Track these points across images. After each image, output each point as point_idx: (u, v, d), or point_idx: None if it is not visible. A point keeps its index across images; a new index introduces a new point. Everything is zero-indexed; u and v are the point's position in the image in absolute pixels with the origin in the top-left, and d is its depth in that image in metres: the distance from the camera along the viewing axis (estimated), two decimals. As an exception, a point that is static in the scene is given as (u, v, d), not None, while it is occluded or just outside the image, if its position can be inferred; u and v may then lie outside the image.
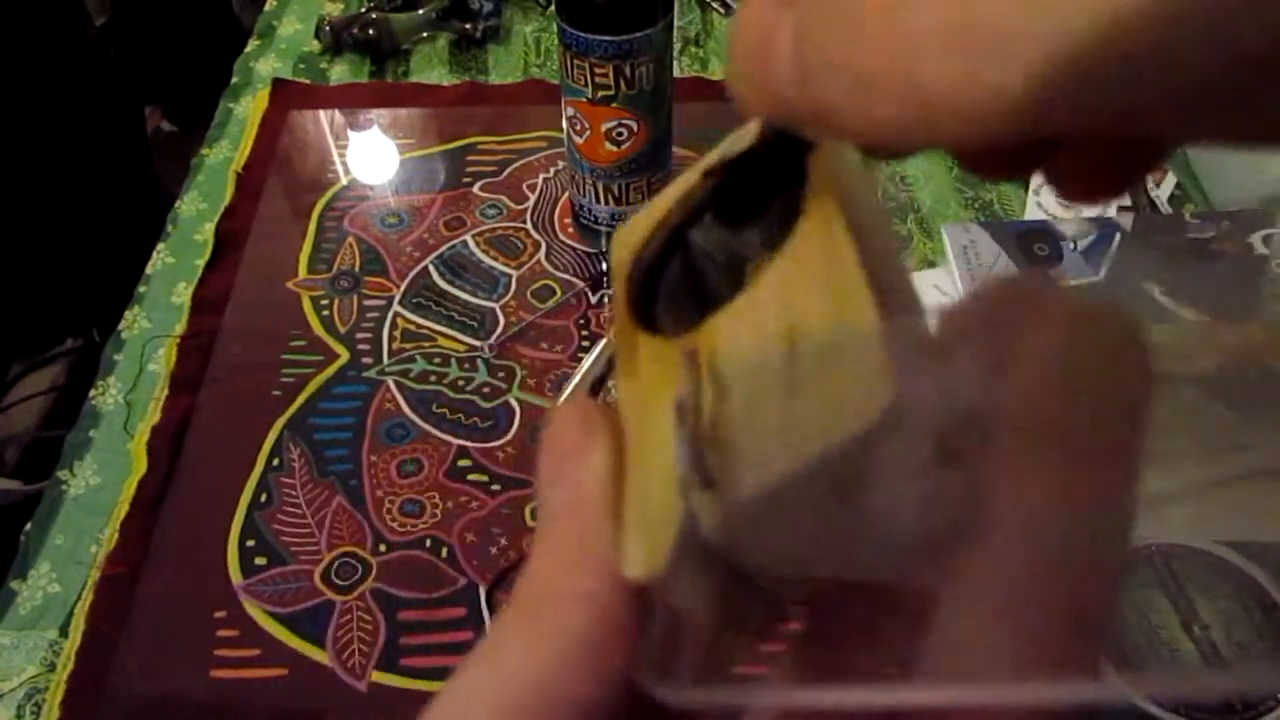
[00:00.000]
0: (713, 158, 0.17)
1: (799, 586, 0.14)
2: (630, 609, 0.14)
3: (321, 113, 0.84)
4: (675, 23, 0.63)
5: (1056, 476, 0.13)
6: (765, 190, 0.16)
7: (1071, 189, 0.15)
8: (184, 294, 0.70)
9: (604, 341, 0.62)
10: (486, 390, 0.63)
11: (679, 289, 0.17)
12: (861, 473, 0.13)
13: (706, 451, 0.13)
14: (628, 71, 0.60)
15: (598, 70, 0.60)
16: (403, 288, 0.70)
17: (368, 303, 0.69)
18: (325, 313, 0.68)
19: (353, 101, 0.85)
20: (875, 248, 0.14)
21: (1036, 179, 0.76)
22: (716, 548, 0.13)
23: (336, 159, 0.80)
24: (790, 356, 0.13)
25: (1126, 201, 0.74)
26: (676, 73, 0.78)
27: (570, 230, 0.73)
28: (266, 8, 0.98)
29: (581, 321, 0.67)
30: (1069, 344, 0.13)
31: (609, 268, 0.17)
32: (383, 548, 0.56)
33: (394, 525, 0.57)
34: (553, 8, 0.85)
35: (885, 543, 0.13)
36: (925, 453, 0.13)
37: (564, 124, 0.66)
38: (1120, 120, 0.11)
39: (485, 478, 0.59)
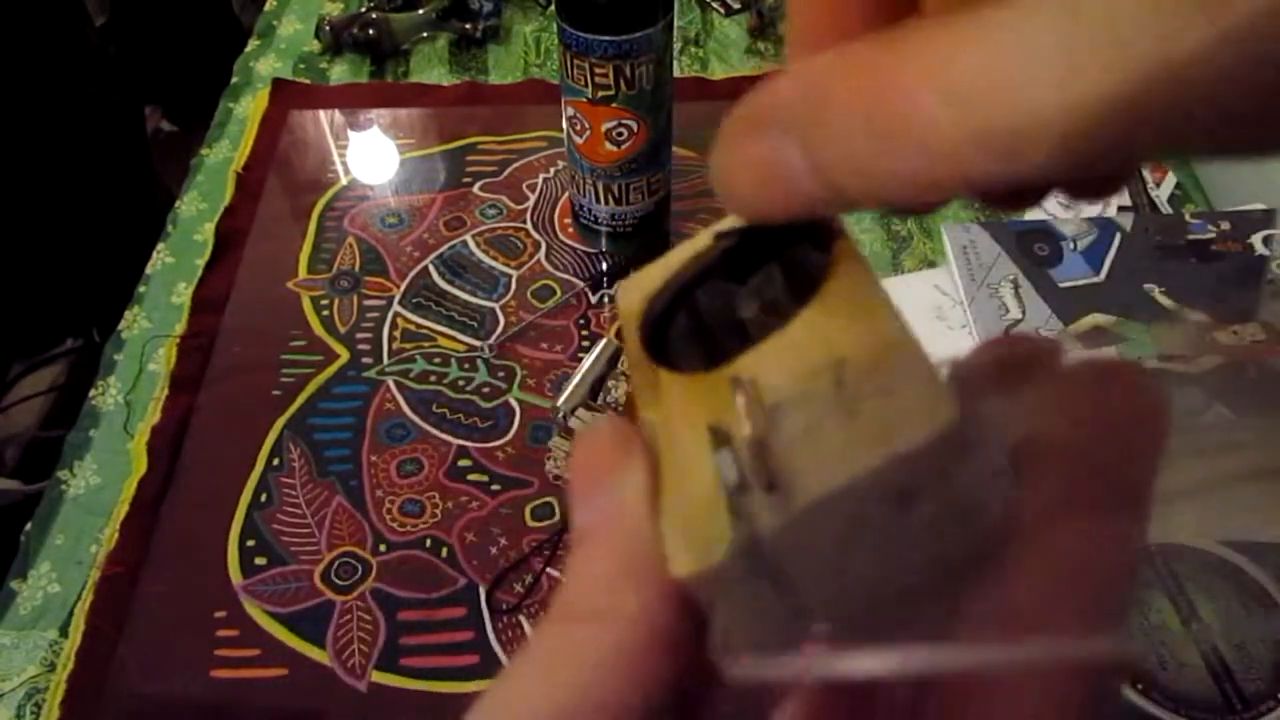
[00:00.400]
0: (727, 222, 0.18)
1: (838, 602, 0.15)
2: (676, 621, 0.14)
3: (321, 113, 0.84)
4: (675, 23, 0.63)
5: (1086, 523, 0.14)
6: (772, 254, 0.18)
7: (1079, 193, 0.16)
8: (184, 294, 0.70)
9: (604, 341, 0.62)
10: (486, 390, 0.63)
11: (684, 339, 0.18)
12: (919, 486, 0.13)
13: (765, 462, 0.14)
14: (628, 71, 0.60)
15: (598, 70, 0.60)
16: (403, 288, 0.70)
17: (368, 303, 0.69)
18: (325, 313, 0.68)
19: (353, 101, 0.85)
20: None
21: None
22: (770, 554, 0.13)
23: (336, 159, 0.80)
24: (841, 384, 0.14)
25: (1126, 201, 0.74)
26: (676, 73, 0.78)
27: (570, 230, 0.73)
28: (266, 8, 0.98)
29: (581, 321, 0.67)
30: (1102, 402, 0.15)
31: (619, 313, 0.18)
32: (383, 548, 0.56)
33: (394, 525, 0.57)
34: (553, 8, 0.85)
35: (932, 553, 0.14)
36: (983, 471, 0.14)
37: (564, 124, 0.66)
38: (1161, 150, 0.12)
39: (485, 478, 0.59)
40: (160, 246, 0.74)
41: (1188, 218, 0.68)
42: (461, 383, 0.64)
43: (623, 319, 0.19)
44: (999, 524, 0.14)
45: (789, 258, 0.17)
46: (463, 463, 0.60)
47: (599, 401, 0.59)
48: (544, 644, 0.15)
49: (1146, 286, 0.63)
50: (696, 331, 0.18)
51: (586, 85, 0.62)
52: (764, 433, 0.14)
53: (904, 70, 0.13)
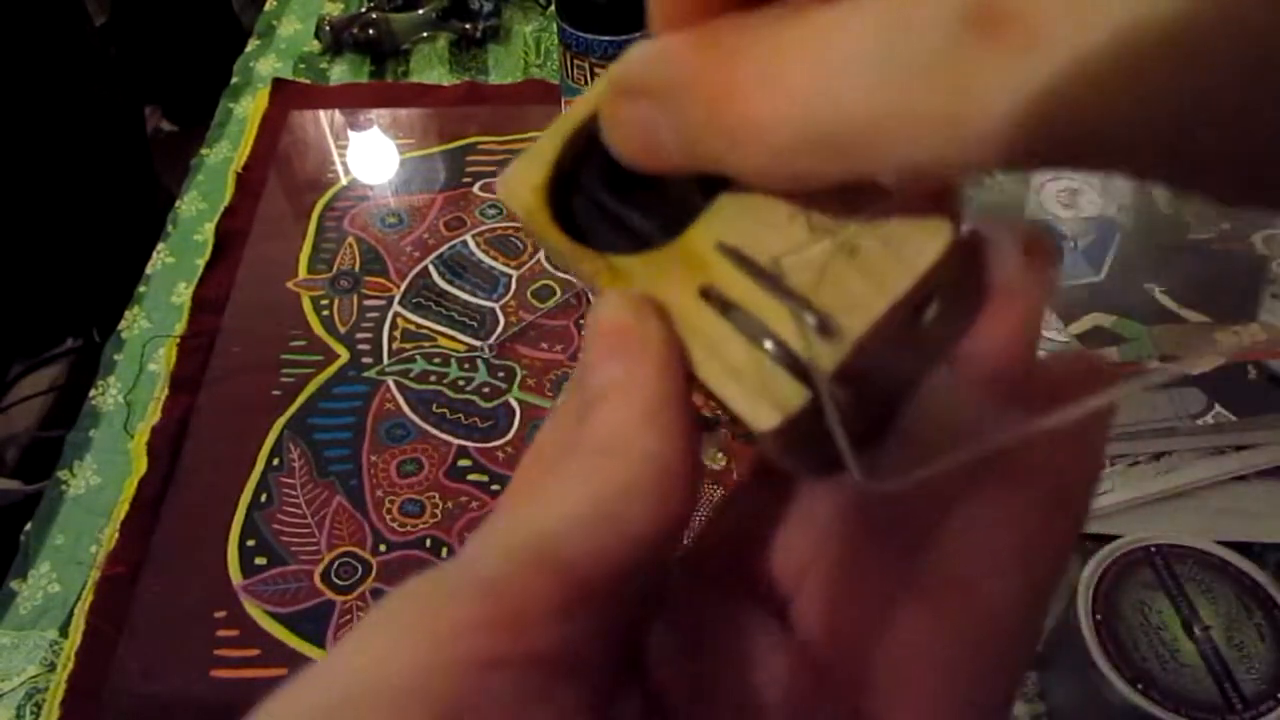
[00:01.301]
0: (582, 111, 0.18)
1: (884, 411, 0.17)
2: (689, 467, 0.15)
3: (321, 113, 0.84)
4: (675, 23, 0.63)
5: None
6: None
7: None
8: (184, 294, 0.70)
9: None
10: (486, 390, 0.63)
11: (610, 220, 0.18)
12: (931, 293, 0.16)
13: (812, 310, 0.15)
14: (628, 71, 0.60)
15: (598, 70, 0.60)
16: (403, 288, 0.70)
17: (368, 303, 0.69)
18: (325, 313, 0.68)
19: (353, 101, 0.85)
20: None
21: (1037, 178, 0.76)
22: (836, 390, 0.15)
23: (336, 159, 0.80)
24: (814, 229, 0.15)
25: (1126, 201, 0.74)
26: (676, 73, 0.78)
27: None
28: (266, 8, 0.98)
29: (581, 321, 0.67)
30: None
31: (511, 209, 0.18)
32: (383, 548, 0.56)
33: (394, 525, 0.57)
34: (553, 8, 0.85)
35: (939, 344, 0.16)
36: (971, 263, 0.16)
37: (564, 124, 0.66)
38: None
39: (485, 478, 0.59)
40: (160, 246, 0.74)
41: (1188, 218, 0.68)
42: (461, 383, 0.64)
43: (524, 215, 0.18)
44: (979, 300, 0.16)
45: None
46: (463, 463, 0.60)
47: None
48: (567, 469, 0.16)
49: (1146, 286, 0.63)
50: (621, 208, 0.18)
51: (586, 85, 0.62)
52: (778, 280, 0.15)
53: (741, 70, 0.14)
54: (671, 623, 0.18)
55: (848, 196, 0.15)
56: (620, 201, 0.18)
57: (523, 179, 0.18)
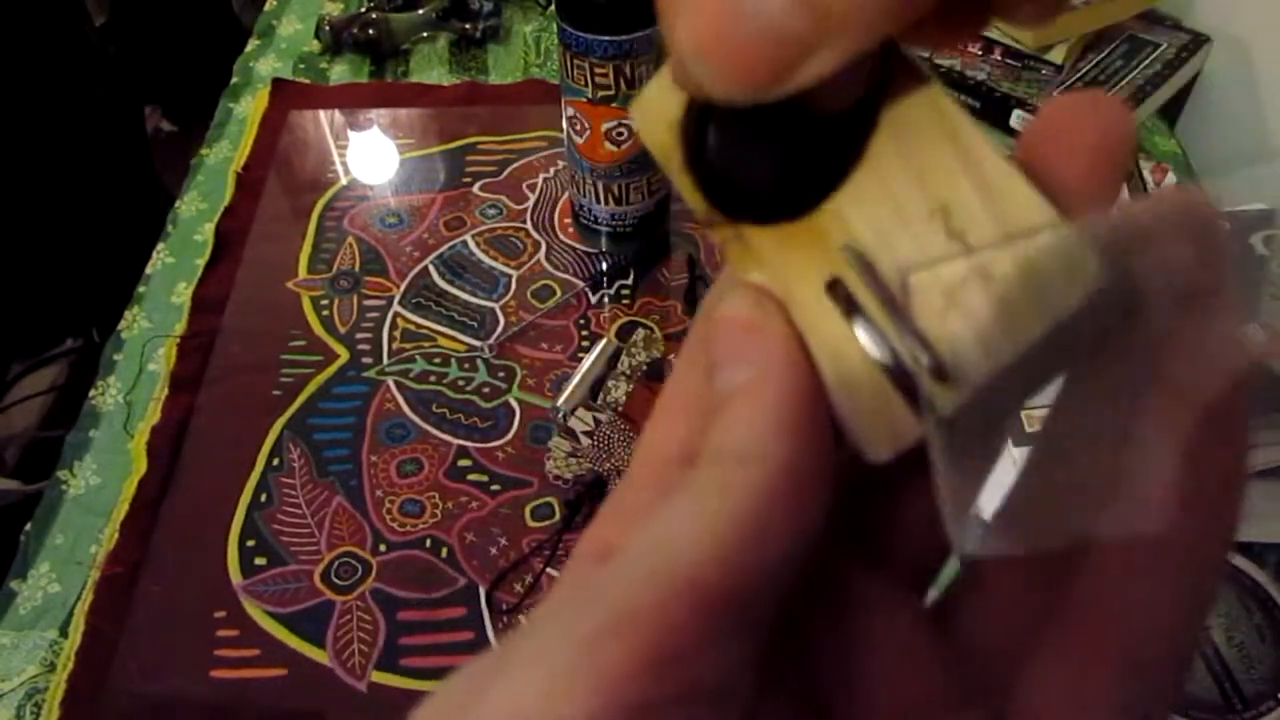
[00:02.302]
0: None
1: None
2: (823, 474, 0.15)
3: (321, 113, 0.84)
4: (675, 23, 0.63)
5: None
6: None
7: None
8: (184, 294, 0.70)
9: (603, 341, 0.62)
10: (486, 390, 0.63)
11: (744, 178, 0.16)
12: (1067, 340, 0.14)
13: (928, 350, 0.14)
14: (628, 71, 0.60)
15: (598, 70, 0.60)
16: (403, 288, 0.70)
17: (368, 303, 0.69)
18: (325, 313, 0.68)
19: (353, 101, 0.85)
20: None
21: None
22: (953, 433, 0.14)
23: (336, 159, 0.80)
24: (955, 235, 0.14)
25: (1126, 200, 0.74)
26: (676, 73, 0.78)
27: (570, 230, 0.73)
28: (266, 8, 0.98)
29: (581, 321, 0.67)
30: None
31: (650, 147, 0.16)
32: (383, 548, 0.56)
33: (394, 525, 0.57)
34: (553, 8, 0.85)
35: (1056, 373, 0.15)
36: (1115, 307, 0.14)
37: (564, 124, 0.66)
38: None
39: (485, 478, 0.59)
40: (160, 246, 0.74)
41: (1188, 218, 0.68)
42: (461, 383, 0.64)
43: (658, 154, 0.16)
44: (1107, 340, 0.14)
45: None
46: (463, 463, 0.60)
47: (599, 401, 0.59)
48: (699, 481, 0.15)
49: (1146, 286, 0.63)
50: (756, 166, 0.16)
51: (586, 85, 0.62)
52: (901, 304, 0.14)
53: None
54: (821, 624, 0.18)
55: (990, 205, 0.14)
56: (756, 151, 0.16)
57: (658, 109, 0.16)
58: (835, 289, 0.15)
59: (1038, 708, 0.16)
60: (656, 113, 0.16)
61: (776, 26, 0.13)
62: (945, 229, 0.14)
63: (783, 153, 0.15)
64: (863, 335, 0.15)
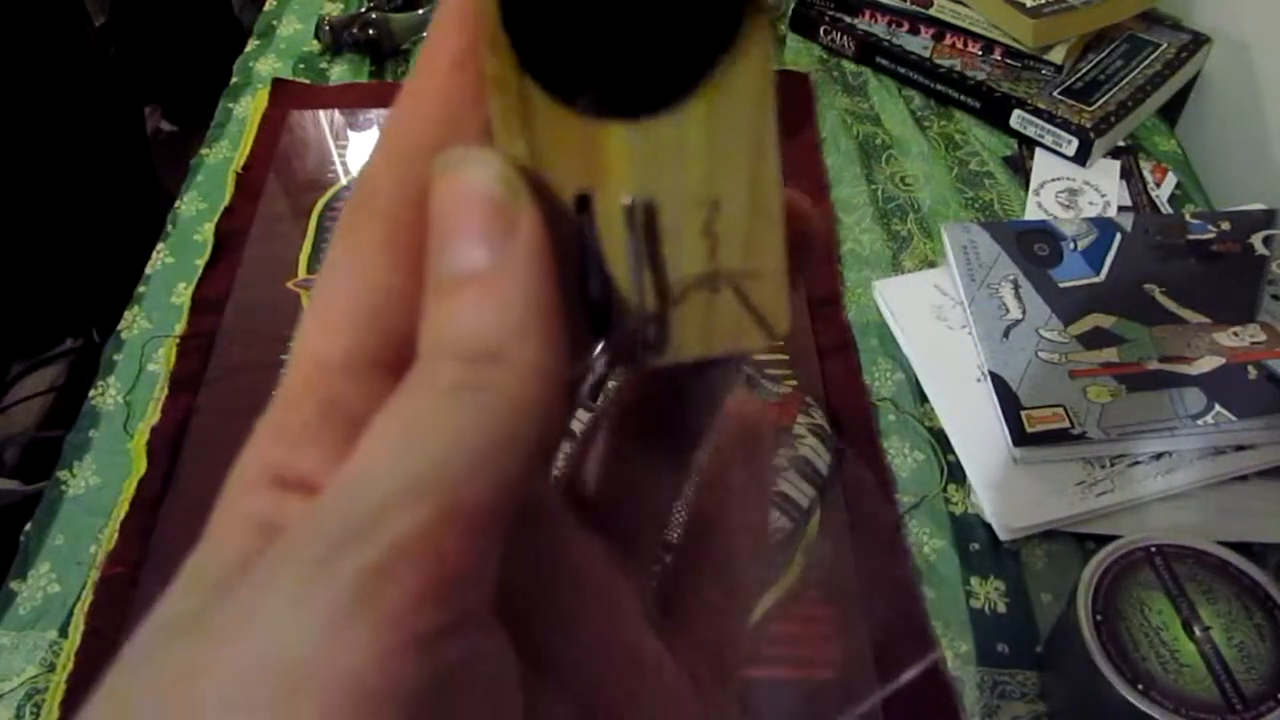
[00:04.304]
0: None
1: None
2: (568, 389, 0.15)
3: (321, 113, 0.84)
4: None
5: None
6: None
7: None
8: (184, 294, 0.70)
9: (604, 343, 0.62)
10: (486, 390, 0.63)
11: (551, 42, 0.14)
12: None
13: (658, 313, 0.16)
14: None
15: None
16: (403, 288, 0.70)
17: (368, 303, 0.69)
18: (325, 313, 0.68)
19: (353, 101, 0.85)
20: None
21: (1038, 178, 0.76)
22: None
23: (336, 159, 0.80)
24: (711, 236, 0.15)
25: (1127, 201, 0.74)
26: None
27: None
28: (266, 8, 0.98)
29: (581, 321, 0.67)
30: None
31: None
32: (383, 548, 0.56)
33: (394, 525, 0.57)
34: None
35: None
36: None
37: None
38: None
39: (485, 478, 0.59)
40: (160, 246, 0.74)
41: (1188, 218, 0.68)
42: (461, 383, 0.64)
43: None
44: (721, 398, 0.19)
45: None
46: (463, 463, 0.60)
47: (599, 402, 0.59)
48: (426, 382, 0.14)
49: (1146, 286, 0.63)
50: (568, 35, 0.14)
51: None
52: (644, 255, 0.15)
53: None
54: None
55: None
56: (611, 19, 0.14)
57: None
58: (584, 200, 0.15)
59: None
60: None
61: None
62: (704, 225, 0.15)
63: (637, 35, 0.14)
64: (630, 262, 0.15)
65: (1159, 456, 0.56)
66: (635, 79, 0.14)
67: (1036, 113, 0.77)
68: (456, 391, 0.13)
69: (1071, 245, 0.66)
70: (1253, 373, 0.57)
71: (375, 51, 0.89)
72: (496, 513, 0.13)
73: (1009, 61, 0.82)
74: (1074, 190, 0.75)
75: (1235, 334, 0.60)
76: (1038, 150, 0.78)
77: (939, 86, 0.83)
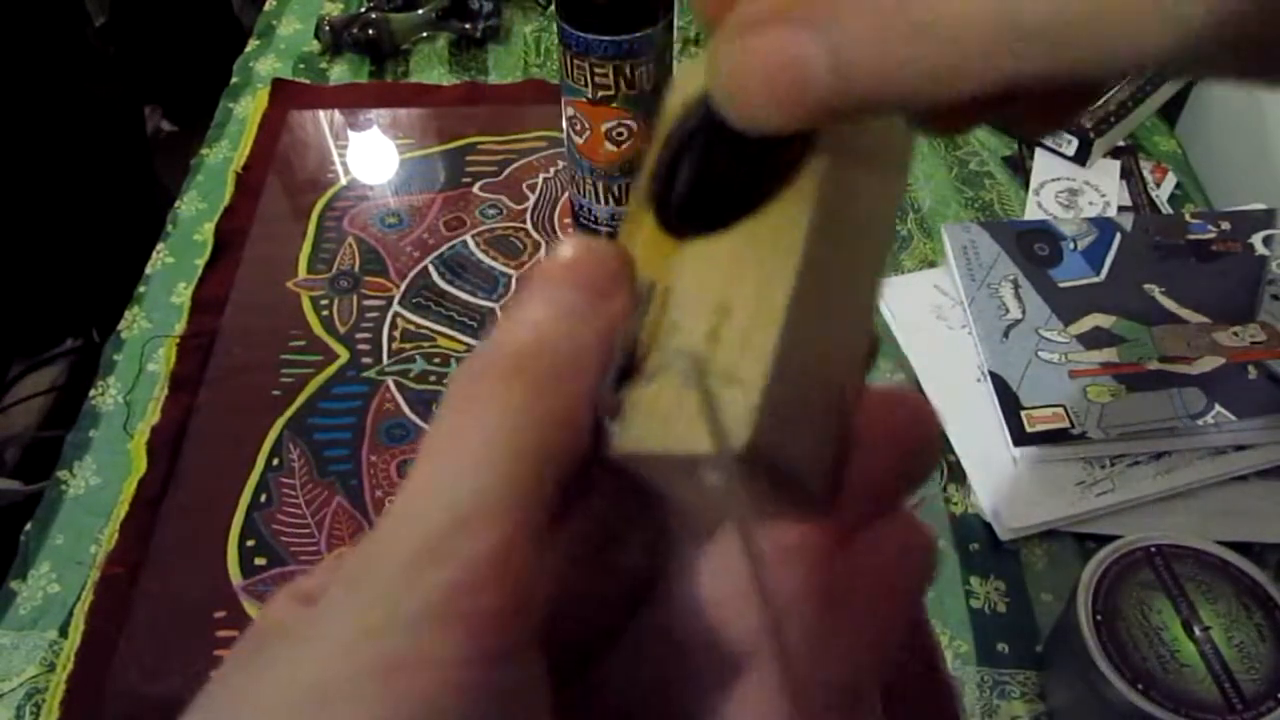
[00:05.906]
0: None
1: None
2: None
3: (321, 113, 0.84)
4: (675, 23, 0.63)
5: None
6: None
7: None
8: (184, 294, 0.70)
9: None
10: (486, 390, 0.63)
11: (678, 183, 0.18)
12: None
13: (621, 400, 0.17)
14: (628, 71, 0.60)
15: (598, 70, 0.60)
16: (402, 288, 0.70)
17: (367, 303, 0.69)
18: (325, 313, 0.68)
19: (353, 101, 0.85)
20: (858, 247, 0.17)
21: (1038, 178, 0.76)
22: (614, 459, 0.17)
23: (336, 159, 0.80)
24: (715, 338, 0.16)
25: (1127, 201, 0.74)
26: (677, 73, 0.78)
27: (570, 230, 0.73)
28: (266, 8, 0.98)
29: (581, 321, 0.67)
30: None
31: (664, 111, 0.18)
32: (383, 548, 0.56)
33: (394, 525, 0.57)
34: (553, 8, 0.85)
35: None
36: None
37: (564, 124, 0.66)
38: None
39: (485, 478, 0.59)
40: (160, 246, 0.74)
41: (1188, 218, 0.68)
42: (461, 383, 0.64)
43: (661, 121, 0.18)
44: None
45: (769, 143, 0.16)
46: (463, 463, 0.60)
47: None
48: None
49: (1146, 287, 0.63)
50: (688, 180, 0.18)
51: (586, 85, 0.61)
52: (648, 350, 0.17)
53: None
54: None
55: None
56: (691, 159, 0.18)
57: (691, 83, 0.18)
58: (645, 294, 0.18)
59: None
60: (686, 86, 0.18)
61: (812, 91, 0.13)
62: (709, 328, 0.16)
63: (701, 176, 0.17)
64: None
65: (1159, 456, 0.56)
66: (701, 217, 0.17)
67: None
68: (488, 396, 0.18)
69: (1071, 245, 0.66)
70: (1253, 372, 0.57)
71: (375, 51, 0.89)
72: (536, 519, 0.15)
73: (1009, 61, 0.82)
74: (1074, 190, 0.75)
75: (1235, 334, 0.60)
76: (1038, 150, 0.78)
77: (939, 86, 0.83)
